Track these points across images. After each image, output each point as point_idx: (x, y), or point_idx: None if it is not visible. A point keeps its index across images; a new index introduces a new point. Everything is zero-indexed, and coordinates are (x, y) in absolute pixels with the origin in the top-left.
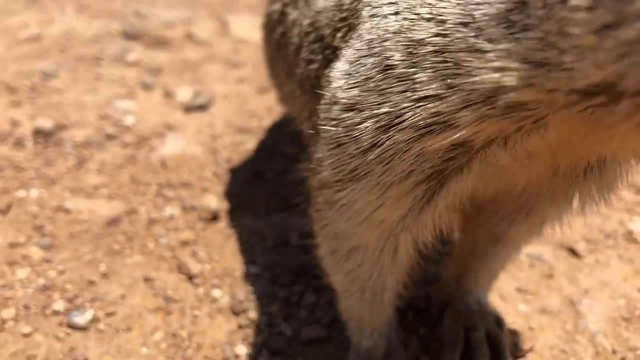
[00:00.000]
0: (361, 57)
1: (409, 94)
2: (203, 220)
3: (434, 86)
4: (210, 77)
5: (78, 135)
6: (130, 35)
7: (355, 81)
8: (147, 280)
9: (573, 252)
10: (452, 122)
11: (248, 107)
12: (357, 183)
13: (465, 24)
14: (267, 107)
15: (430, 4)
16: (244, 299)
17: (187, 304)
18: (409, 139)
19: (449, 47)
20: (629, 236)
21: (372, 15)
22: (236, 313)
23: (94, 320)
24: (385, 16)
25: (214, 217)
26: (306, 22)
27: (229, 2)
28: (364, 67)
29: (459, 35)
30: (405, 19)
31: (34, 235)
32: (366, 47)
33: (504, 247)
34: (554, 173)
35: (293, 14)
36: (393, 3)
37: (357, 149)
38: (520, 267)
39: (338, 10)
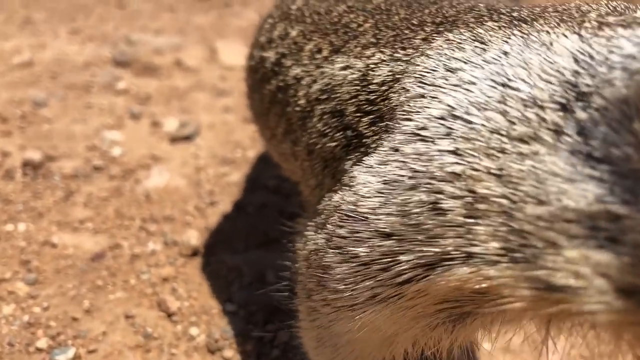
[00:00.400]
0: (402, 186)
1: (461, 241)
2: (183, 256)
3: (492, 245)
4: (197, 106)
5: (66, 166)
6: (120, 63)
7: (395, 210)
8: (128, 317)
9: None
10: (500, 292)
11: (233, 137)
12: (377, 306)
13: (540, 202)
14: (251, 137)
15: (496, 157)
16: (220, 337)
17: (166, 341)
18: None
19: (515, 215)
20: None
21: (416, 135)
22: (212, 351)
23: (76, 357)
24: (440, 150)
25: (194, 253)
26: (316, 87)
27: (219, 26)
28: (407, 200)
29: (529, 210)
30: (468, 164)
31: (20, 270)
32: (409, 178)
33: None
34: None
35: (295, 70)
36: (447, 136)
37: (388, 276)
38: None
39: (363, 87)
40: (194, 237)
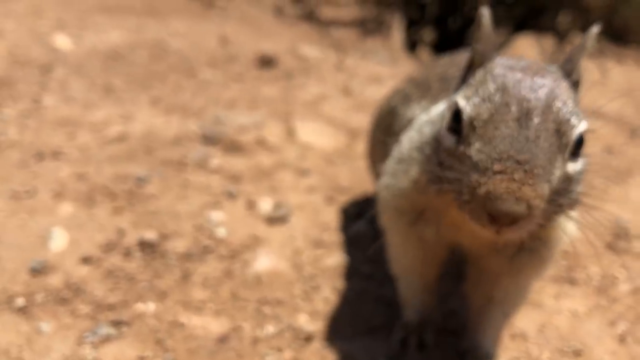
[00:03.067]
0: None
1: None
2: (300, 340)
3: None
4: (283, 186)
5: (179, 246)
6: (209, 140)
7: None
8: None
9: None
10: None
11: (320, 218)
12: None
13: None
14: (337, 219)
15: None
16: None
17: None
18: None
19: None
20: None
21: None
22: None
23: None
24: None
25: (309, 338)
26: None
27: (288, 99)
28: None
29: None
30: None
31: (157, 349)
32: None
33: (502, 306)
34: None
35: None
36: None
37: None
38: None
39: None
40: (306, 322)
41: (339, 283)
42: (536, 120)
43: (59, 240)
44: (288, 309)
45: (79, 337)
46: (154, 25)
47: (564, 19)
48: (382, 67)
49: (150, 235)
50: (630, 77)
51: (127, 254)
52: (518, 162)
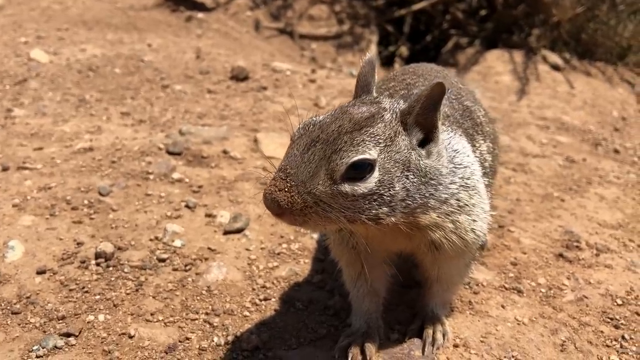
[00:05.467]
0: None
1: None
2: (246, 351)
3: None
4: (244, 197)
5: (134, 258)
6: (173, 152)
7: None
8: None
9: None
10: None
11: (278, 230)
12: None
13: None
14: (293, 231)
15: None
16: None
17: None
18: None
19: None
20: None
21: None
22: None
23: None
24: None
25: (256, 349)
26: None
27: (257, 109)
28: None
29: None
30: None
31: None
32: None
33: (439, 284)
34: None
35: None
36: None
37: None
38: None
39: None
40: (254, 333)
41: (290, 293)
42: (312, 150)
43: (15, 252)
44: (236, 319)
45: (25, 350)
46: (131, 39)
47: (534, 36)
48: (352, 80)
49: (106, 247)
50: (596, 91)
51: (83, 265)
52: (287, 175)
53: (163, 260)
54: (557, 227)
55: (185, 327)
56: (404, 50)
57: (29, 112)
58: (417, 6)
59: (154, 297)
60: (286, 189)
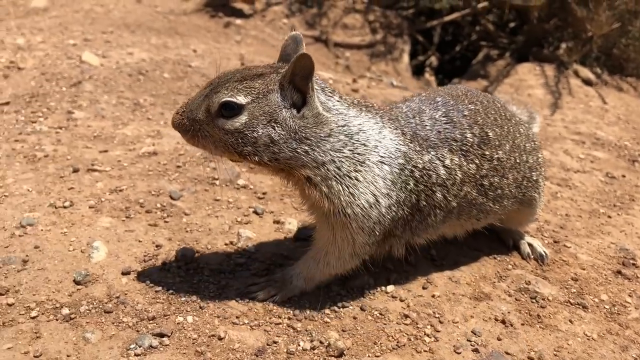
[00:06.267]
0: None
1: None
2: (332, 357)
3: None
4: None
5: (212, 262)
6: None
7: None
8: None
9: None
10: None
11: None
12: None
13: None
14: None
15: None
16: None
17: None
18: None
19: None
20: None
21: None
22: None
23: None
24: None
25: (341, 355)
26: None
27: None
28: None
29: None
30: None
31: None
32: None
33: (312, 249)
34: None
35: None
36: None
37: None
38: None
39: None
40: (337, 338)
41: (366, 301)
42: (205, 90)
43: (99, 253)
44: (319, 325)
45: (124, 348)
46: (175, 44)
47: (562, 49)
48: (393, 90)
49: (186, 250)
50: (629, 107)
51: (165, 268)
52: (185, 106)
53: (240, 265)
54: (609, 243)
55: (271, 330)
56: (433, 60)
57: (89, 114)
58: (449, 17)
59: (236, 301)
60: (180, 114)
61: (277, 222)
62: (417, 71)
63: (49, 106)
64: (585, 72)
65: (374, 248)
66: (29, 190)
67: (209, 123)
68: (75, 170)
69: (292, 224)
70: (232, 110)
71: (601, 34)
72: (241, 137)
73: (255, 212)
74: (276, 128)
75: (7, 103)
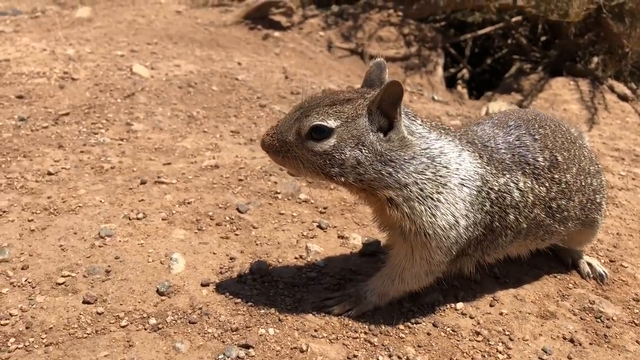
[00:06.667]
0: None
1: None
2: None
3: None
4: (367, 220)
5: (285, 275)
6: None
7: None
8: None
9: None
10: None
11: None
12: None
13: None
14: None
15: None
16: None
17: None
18: None
19: None
20: None
21: None
22: None
23: None
24: None
25: None
26: None
27: None
28: None
29: None
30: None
31: None
32: None
33: (388, 267)
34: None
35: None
36: None
37: None
38: None
39: None
40: (416, 355)
41: (437, 318)
42: (296, 113)
43: (178, 264)
44: (394, 340)
45: (213, 358)
46: (220, 57)
47: (594, 64)
48: (434, 104)
49: (260, 264)
50: None
51: (241, 280)
52: (275, 127)
53: (312, 279)
54: None
55: (349, 344)
56: (465, 72)
57: (147, 126)
58: (483, 30)
59: (313, 314)
60: (271, 135)
61: (341, 237)
62: (450, 84)
63: (107, 117)
64: (621, 88)
65: (448, 266)
66: (101, 201)
67: (298, 145)
68: (143, 182)
69: (356, 239)
70: (322, 133)
71: (638, 49)
72: (329, 158)
73: (320, 227)
74: (363, 150)
75: (67, 114)
